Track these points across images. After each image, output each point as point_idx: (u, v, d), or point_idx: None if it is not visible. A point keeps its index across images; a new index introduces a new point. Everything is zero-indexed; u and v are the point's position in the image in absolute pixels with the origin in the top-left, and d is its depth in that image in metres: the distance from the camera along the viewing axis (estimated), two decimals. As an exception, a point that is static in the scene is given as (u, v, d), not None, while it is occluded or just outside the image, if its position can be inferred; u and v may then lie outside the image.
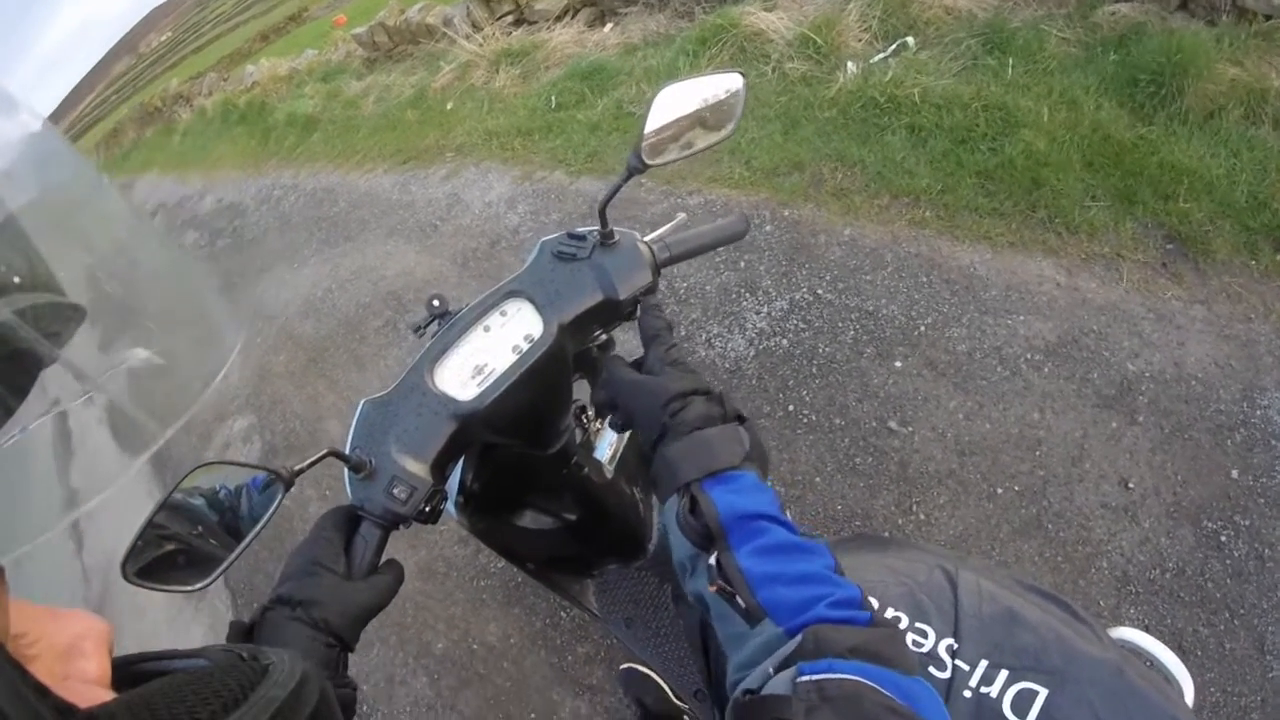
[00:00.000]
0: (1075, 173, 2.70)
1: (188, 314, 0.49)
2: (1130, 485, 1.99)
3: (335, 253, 4.86)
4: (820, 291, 2.73)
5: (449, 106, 5.63)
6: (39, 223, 0.35)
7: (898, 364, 2.42)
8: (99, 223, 0.44)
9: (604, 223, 0.92)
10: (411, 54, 7.06)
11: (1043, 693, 0.76)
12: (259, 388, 4.19)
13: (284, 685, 0.33)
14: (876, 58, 3.64)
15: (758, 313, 2.77)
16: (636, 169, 0.89)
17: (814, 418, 2.39)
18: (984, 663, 0.79)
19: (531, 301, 0.91)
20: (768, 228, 3.05)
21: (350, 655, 0.76)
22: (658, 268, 0.96)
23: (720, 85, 0.93)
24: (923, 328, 2.48)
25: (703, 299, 2.90)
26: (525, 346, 0.87)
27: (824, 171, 3.18)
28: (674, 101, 0.90)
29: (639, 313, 0.90)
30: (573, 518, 1.26)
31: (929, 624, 0.83)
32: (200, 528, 0.74)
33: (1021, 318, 2.40)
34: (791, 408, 2.44)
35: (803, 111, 3.51)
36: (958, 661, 0.79)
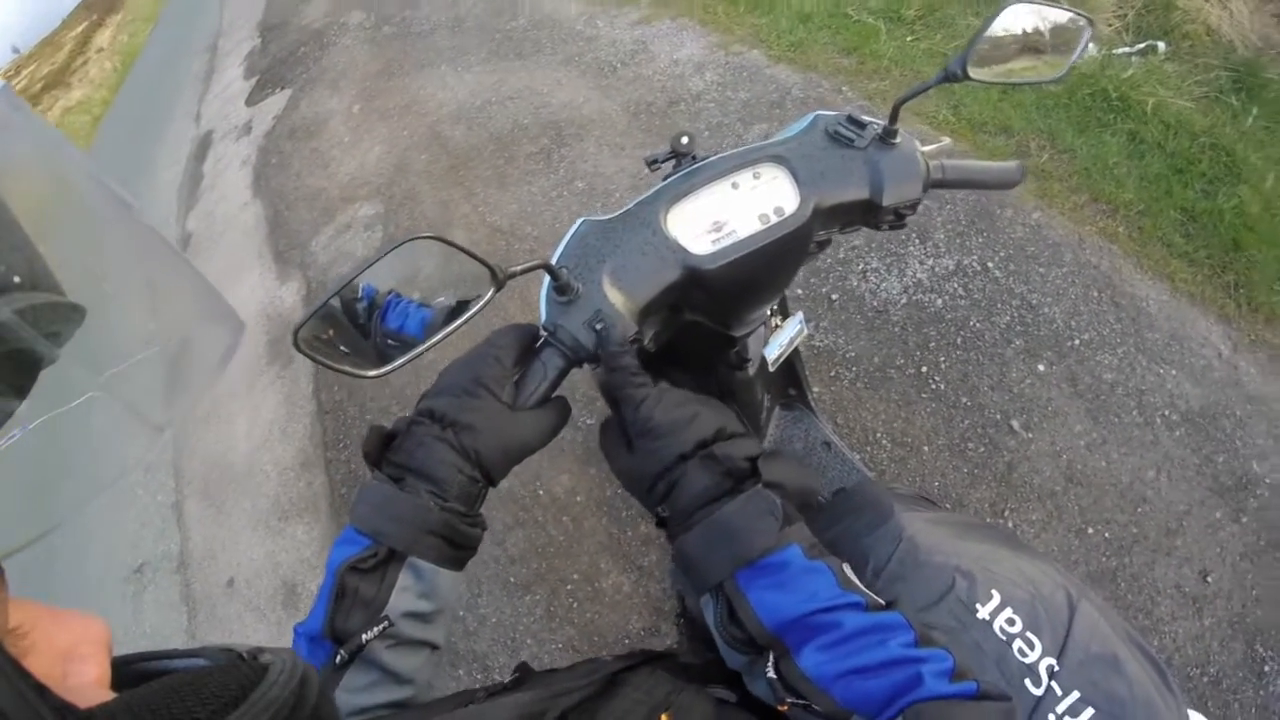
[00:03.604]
0: (1277, 251, 2.50)
1: (186, 312, 0.46)
2: (1209, 579, 1.93)
3: (503, 66, 4.76)
4: (990, 265, 2.61)
5: (657, -48, 5.35)
6: (36, 220, 0.33)
7: (1041, 367, 2.34)
8: (94, 219, 0.42)
9: (894, 119, 0.85)
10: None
11: None
12: (394, 179, 4.24)
13: (284, 685, 0.32)
14: (1121, 50, 3.35)
15: (922, 263, 2.67)
16: (955, 76, 0.81)
17: (943, 387, 2.34)
18: (1076, 694, 0.78)
19: (792, 173, 0.84)
20: (959, 180, 2.89)
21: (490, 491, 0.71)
22: (929, 185, 0.88)
23: (1066, 23, 0.86)
24: (1077, 341, 2.37)
25: (868, 229, 2.78)
26: (774, 219, 0.82)
27: (1031, 145, 2.98)
28: (1016, 21, 0.83)
29: (600, 371, 0.75)
30: None
31: (1039, 638, 0.82)
32: (331, 331, 0.71)
33: (1174, 371, 2.28)
34: (924, 369, 2.39)
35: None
36: (1053, 683, 0.79)
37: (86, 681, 0.32)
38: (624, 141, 3.62)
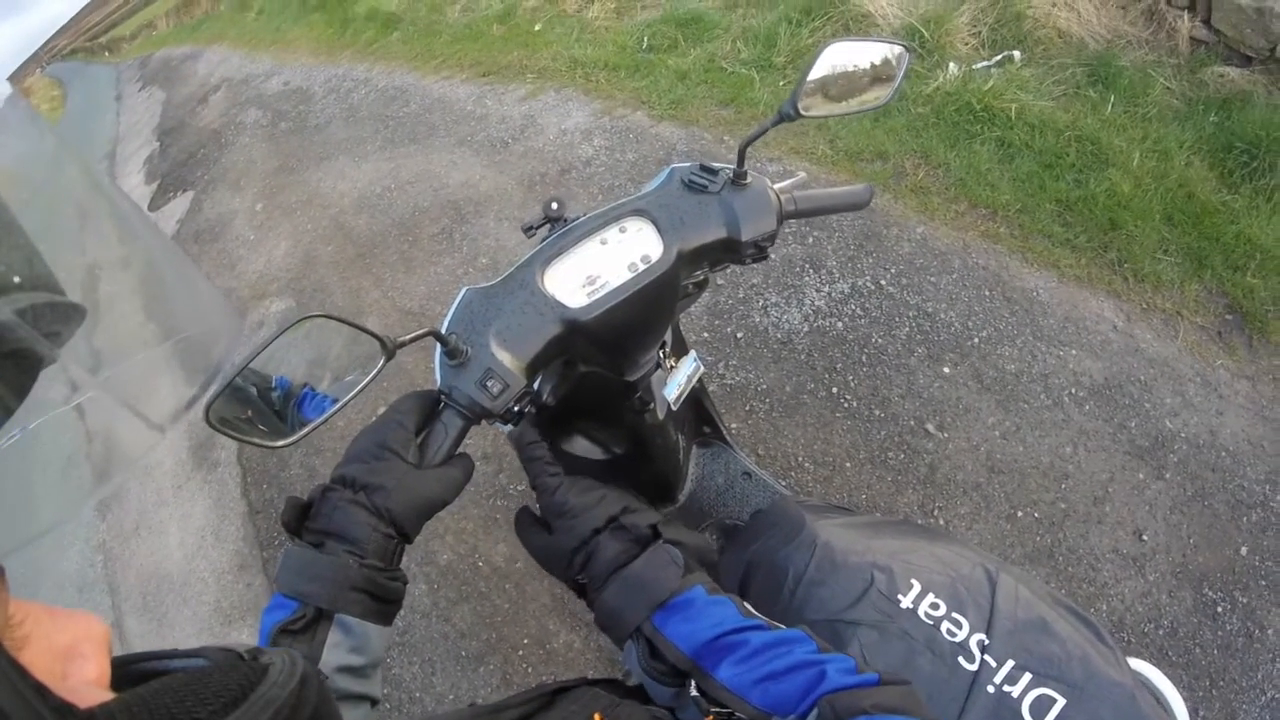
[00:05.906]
0: (1153, 223, 2.65)
1: (187, 312, 0.47)
2: (1144, 538, 2.00)
3: (399, 153, 4.81)
4: (883, 282, 2.71)
5: (537, 28, 5.52)
6: (35, 219, 0.34)
7: (946, 370, 2.42)
8: (96, 220, 0.43)
9: (741, 161, 0.90)
10: (506, -30, 6.90)
11: (1061, 702, 0.77)
12: (302, 273, 4.20)
13: (284, 685, 0.33)
14: (980, 64, 3.55)
15: (818, 291, 2.75)
16: (788, 116, 0.87)
17: (855, 404, 2.40)
18: (1010, 663, 0.80)
19: (654, 223, 0.89)
20: (842, 209, 2.99)
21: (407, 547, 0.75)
22: (783, 217, 0.94)
23: (885, 53, 0.92)
24: (976, 340, 2.47)
25: (765, 266, 2.87)
26: (641, 266, 0.86)
27: (907, 166, 3.13)
28: (838, 58, 0.88)
29: (520, 458, 0.82)
30: (619, 452, 1.24)
31: (964, 616, 0.84)
32: (249, 412, 0.73)
33: (1074, 351, 2.39)
34: (835, 390, 2.45)
35: (896, 102, 3.43)
36: (986, 657, 0.81)
37: (86, 681, 0.32)
38: (521, 214, 3.66)
